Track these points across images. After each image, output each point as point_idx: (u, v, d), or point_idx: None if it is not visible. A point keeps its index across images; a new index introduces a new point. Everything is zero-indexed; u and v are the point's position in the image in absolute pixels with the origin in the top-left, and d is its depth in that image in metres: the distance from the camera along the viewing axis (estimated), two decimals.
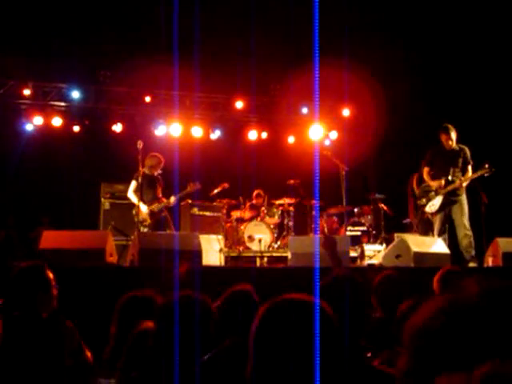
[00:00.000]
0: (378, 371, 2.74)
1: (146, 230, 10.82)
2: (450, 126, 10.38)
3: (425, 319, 1.13)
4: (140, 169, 10.96)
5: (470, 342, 1.03)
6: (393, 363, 2.99)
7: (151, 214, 10.99)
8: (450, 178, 10.12)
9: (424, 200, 10.47)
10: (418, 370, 1.10)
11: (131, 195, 11.15)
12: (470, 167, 10.17)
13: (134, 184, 11.12)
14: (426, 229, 10.84)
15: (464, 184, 10.11)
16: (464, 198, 10.16)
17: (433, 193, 10.28)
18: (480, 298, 1.09)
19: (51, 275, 4.45)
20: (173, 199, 11.11)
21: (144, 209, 10.92)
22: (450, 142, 10.27)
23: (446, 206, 10.17)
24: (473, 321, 1.06)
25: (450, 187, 10.10)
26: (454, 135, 10.29)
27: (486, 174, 9.92)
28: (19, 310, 4.29)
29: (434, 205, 10.29)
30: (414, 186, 10.97)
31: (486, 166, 9.86)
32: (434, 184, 10.25)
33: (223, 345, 3.87)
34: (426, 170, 10.44)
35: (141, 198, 10.89)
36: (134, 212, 10.98)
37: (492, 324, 1.04)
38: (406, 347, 1.16)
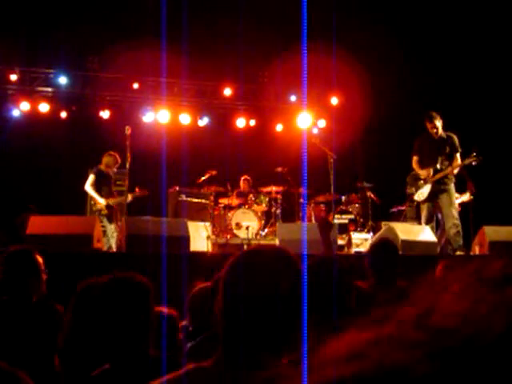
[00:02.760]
0: None
1: (104, 218, 10.97)
2: (433, 114, 10.26)
3: None
4: (98, 165, 11.37)
5: None
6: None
7: (107, 206, 11.11)
8: (438, 166, 10.06)
9: (413, 189, 10.44)
10: None
11: (88, 188, 11.33)
12: (458, 155, 10.08)
13: (92, 178, 11.32)
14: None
15: (454, 172, 10.06)
16: (452, 188, 10.12)
17: (421, 181, 10.23)
18: None
19: (40, 259, 4.46)
20: (129, 197, 11.21)
21: (102, 201, 11.13)
22: (435, 130, 10.13)
23: (434, 195, 10.11)
24: None
25: (438, 176, 10.03)
26: (438, 123, 10.17)
27: (474, 163, 9.88)
28: (9, 294, 4.29)
29: (422, 193, 10.24)
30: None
31: (474, 154, 9.82)
32: (422, 173, 10.19)
33: (209, 332, 3.88)
34: (414, 158, 10.35)
35: (98, 192, 11.21)
36: (92, 202, 11.44)
37: None
38: None
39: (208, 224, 12.15)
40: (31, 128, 14.53)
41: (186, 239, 8.51)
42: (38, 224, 8.40)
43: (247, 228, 12.34)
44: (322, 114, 16.21)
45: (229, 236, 12.46)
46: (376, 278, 4.80)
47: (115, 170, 11.54)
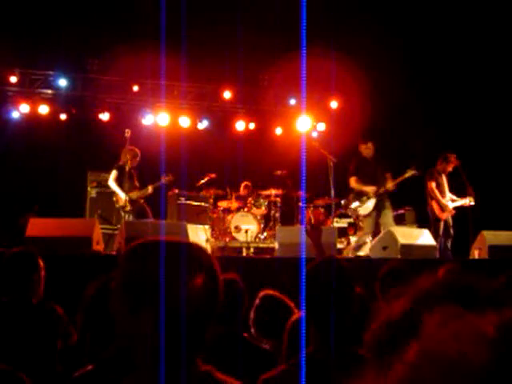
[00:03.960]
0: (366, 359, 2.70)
1: (127, 216, 10.95)
2: (368, 139, 11.09)
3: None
4: (119, 162, 11.28)
5: None
6: None
7: (130, 201, 11.08)
8: (379, 183, 10.86)
9: (357, 204, 11.00)
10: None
11: (112, 183, 11.33)
12: (388, 175, 10.93)
13: (115, 173, 11.31)
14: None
15: (392, 188, 10.89)
16: (389, 203, 10.98)
17: (365, 197, 10.84)
18: None
19: (41, 262, 4.47)
20: (150, 189, 11.22)
21: (123, 196, 11.08)
22: (369, 151, 11.00)
23: (376, 209, 10.79)
24: None
25: (380, 191, 10.78)
26: (371, 145, 11.01)
27: (413, 175, 10.79)
28: (9, 295, 4.29)
29: (367, 207, 10.82)
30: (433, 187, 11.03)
31: (413, 167, 10.72)
32: (366, 189, 10.82)
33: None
34: (353, 178, 10.98)
35: (121, 187, 11.17)
36: (114, 199, 11.36)
37: None
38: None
39: (207, 227, 12.16)
40: (31, 130, 14.52)
41: None
42: (38, 226, 8.40)
43: (246, 231, 12.33)
44: (321, 118, 16.21)
45: (228, 239, 12.46)
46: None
47: (135, 164, 11.49)
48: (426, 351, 0.88)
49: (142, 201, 11.37)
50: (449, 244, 10.77)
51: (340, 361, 2.61)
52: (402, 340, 0.96)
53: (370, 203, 10.83)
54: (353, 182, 11.02)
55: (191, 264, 1.82)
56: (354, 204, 11.02)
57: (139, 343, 1.78)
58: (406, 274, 5.06)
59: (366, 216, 10.89)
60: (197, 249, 1.92)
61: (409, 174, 10.73)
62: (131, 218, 11.02)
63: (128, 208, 11.04)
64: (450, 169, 11.06)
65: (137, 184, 11.51)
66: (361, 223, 11.23)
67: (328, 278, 2.79)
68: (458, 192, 11.09)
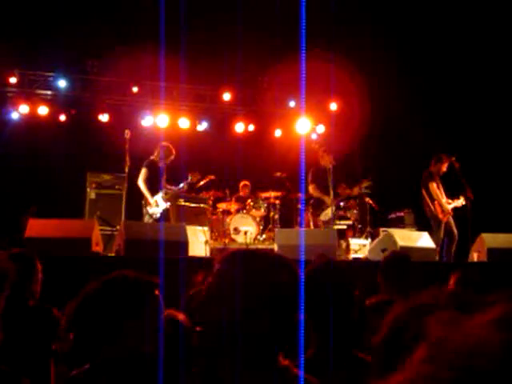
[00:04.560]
0: (365, 362, 2.70)
1: (151, 220, 10.80)
2: (328, 149, 11.64)
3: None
4: (152, 157, 11.10)
5: None
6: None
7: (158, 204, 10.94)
8: (338, 192, 11.50)
9: (318, 211, 11.61)
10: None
11: (141, 183, 11.03)
12: (329, 180, 11.24)
13: (144, 172, 11.04)
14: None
15: (353, 194, 11.67)
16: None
17: (325, 204, 11.42)
18: None
19: (39, 264, 4.46)
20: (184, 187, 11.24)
21: (152, 200, 10.91)
22: (327, 163, 11.43)
23: (335, 217, 11.47)
24: None
25: (339, 199, 11.50)
26: (330, 156, 11.49)
27: (368, 188, 11.82)
28: (6, 297, 4.28)
29: (327, 214, 11.36)
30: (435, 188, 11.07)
31: (370, 178, 11.64)
32: (326, 199, 11.36)
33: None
34: (312, 186, 11.55)
35: (151, 188, 10.94)
36: (142, 202, 11.09)
37: None
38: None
39: (206, 229, 12.16)
40: (30, 131, 14.51)
41: (184, 244, 8.51)
42: (37, 227, 8.39)
43: (245, 233, 12.34)
44: (320, 120, 16.20)
45: (227, 241, 12.46)
46: (389, 292, 4.80)
47: (168, 162, 11.30)
48: (436, 351, 0.90)
49: (170, 203, 11.23)
50: (453, 247, 10.75)
51: (339, 363, 2.61)
52: (407, 344, 0.98)
53: (329, 210, 11.34)
54: (312, 190, 11.55)
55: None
56: (316, 212, 11.68)
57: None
58: (407, 262, 5.11)
59: (326, 223, 11.42)
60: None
61: (364, 185, 11.60)
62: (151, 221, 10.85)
63: (156, 215, 10.88)
64: (444, 169, 11.06)
65: (165, 184, 11.31)
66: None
67: (327, 281, 2.79)
68: (453, 193, 11.11)
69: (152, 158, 11.17)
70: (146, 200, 10.96)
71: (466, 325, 0.90)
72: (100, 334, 2.67)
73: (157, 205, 10.90)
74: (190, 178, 11.38)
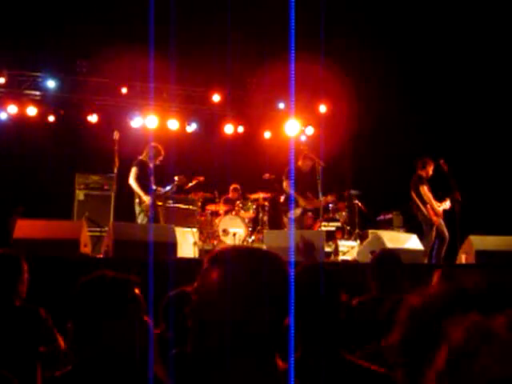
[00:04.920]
0: (357, 366, 2.70)
1: (146, 220, 10.72)
2: (309, 155, 11.57)
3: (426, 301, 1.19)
4: (140, 157, 10.98)
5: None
6: (377, 358, 2.97)
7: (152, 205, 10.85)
8: (309, 195, 11.55)
9: (287, 207, 11.84)
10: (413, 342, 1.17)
11: (133, 182, 10.88)
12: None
13: (135, 171, 10.89)
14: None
15: (322, 203, 11.72)
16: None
17: (297, 204, 11.50)
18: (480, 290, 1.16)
19: (25, 265, 4.45)
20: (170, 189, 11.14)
21: (147, 198, 10.76)
22: (306, 167, 11.53)
23: (302, 218, 11.53)
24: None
25: (311, 205, 11.63)
26: (310, 161, 11.53)
27: (332, 201, 12.15)
28: None
29: (296, 213, 11.46)
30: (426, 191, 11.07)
31: (334, 195, 11.98)
32: (301, 200, 11.48)
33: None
34: (287, 182, 11.54)
35: (142, 187, 10.81)
36: (136, 200, 10.94)
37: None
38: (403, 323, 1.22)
39: (195, 230, 12.13)
40: (19, 131, 14.47)
41: (173, 245, 8.50)
42: (25, 228, 8.36)
43: (234, 234, 12.33)
44: (309, 122, 16.24)
45: (216, 242, 12.44)
46: (379, 291, 4.82)
47: (158, 163, 11.21)
48: (458, 354, 0.92)
49: (161, 203, 11.16)
50: (443, 249, 10.76)
51: (328, 366, 2.61)
52: (428, 343, 1.01)
53: (298, 210, 11.47)
54: (286, 186, 11.63)
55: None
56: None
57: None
58: (397, 260, 5.12)
59: (292, 220, 11.52)
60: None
61: (330, 198, 11.94)
62: (146, 221, 10.81)
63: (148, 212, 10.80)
64: (431, 172, 11.06)
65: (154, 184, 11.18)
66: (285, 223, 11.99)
67: (313, 284, 2.79)
68: (439, 196, 11.14)
69: (141, 157, 11.10)
70: (140, 198, 10.87)
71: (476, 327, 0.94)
72: (80, 335, 2.67)
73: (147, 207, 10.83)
74: (176, 180, 11.33)
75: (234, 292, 1.81)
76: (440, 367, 0.95)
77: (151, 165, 11.02)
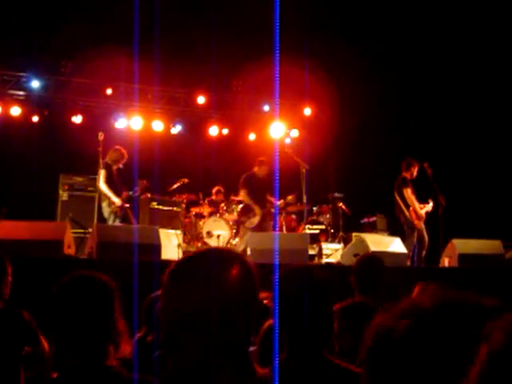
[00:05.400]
0: (342, 369, 2.69)
1: (117, 221, 10.67)
2: (265, 160, 11.72)
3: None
4: (106, 160, 10.92)
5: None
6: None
7: (121, 207, 10.76)
8: (266, 201, 11.67)
9: (244, 217, 11.96)
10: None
11: (103, 186, 10.84)
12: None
13: (104, 174, 10.86)
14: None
15: (282, 205, 11.90)
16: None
17: (253, 213, 11.72)
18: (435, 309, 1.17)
19: (9, 267, 4.42)
20: (131, 194, 11.04)
21: (117, 200, 10.74)
22: (262, 172, 11.65)
23: (262, 226, 11.59)
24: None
25: (266, 210, 11.66)
26: (266, 167, 11.63)
27: (290, 201, 11.91)
28: None
29: (252, 222, 11.66)
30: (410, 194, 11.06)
31: (295, 196, 11.70)
32: (256, 208, 11.66)
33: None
34: (243, 191, 11.77)
35: (111, 189, 10.77)
36: (104, 203, 10.87)
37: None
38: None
39: (179, 232, 12.12)
40: (2, 131, 14.36)
41: (157, 247, 8.49)
42: (8, 229, 8.31)
43: (218, 237, 12.31)
44: (294, 124, 16.25)
45: (200, 244, 12.42)
46: (363, 294, 4.81)
47: (121, 166, 11.19)
48: (497, 353, 0.95)
49: (128, 205, 11.11)
50: (423, 253, 10.80)
51: (313, 368, 2.61)
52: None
53: (256, 219, 11.68)
54: (243, 195, 11.81)
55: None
56: (243, 219, 12.04)
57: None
58: (380, 264, 5.12)
59: (252, 229, 11.51)
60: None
61: (288, 199, 11.82)
62: (117, 222, 10.78)
63: (119, 213, 10.74)
64: (415, 173, 11.08)
65: (120, 187, 11.14)
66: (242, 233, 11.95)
67: (299, 285, 2.79)
68: (423, 199, 11.18)
69: (106, 160, 11.04)
70: (109, 200, 10.80)
71: None
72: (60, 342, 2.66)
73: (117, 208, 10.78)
74: (139, 183, 11.24)
75: (202, 306, 1.77)
76: (481, 370, 0.97)
77: (116, 168, 11.01)
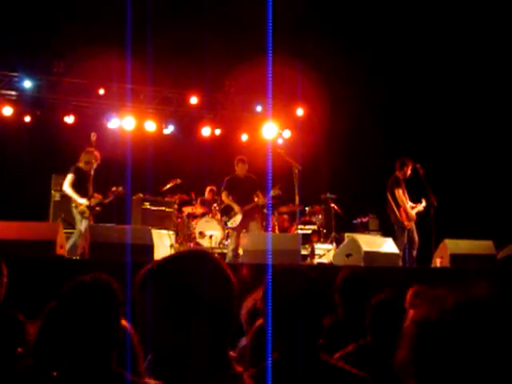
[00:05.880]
0: (337, 368, 2.70)
1: (86, 221, 10.63)
2: (243, 158, 11.87)
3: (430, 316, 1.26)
4: (77, 164, 10.89)
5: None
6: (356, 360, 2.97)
7: (89, 207, 10.73)
8: (247, 200, 11.54)
9: (226, 217, 11.96)
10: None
11: (67, 189, 10.82)
12: (258, 192, 11.50)
13: (71, 177, 10.83)
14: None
15: (261, 204, 11.64)
16: (258, 215, 11.92)
17: (233, 212, 11.62)
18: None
19: (5, 268, 4.41)
20: (110, 196, 11.00)
21: (82, 201, 10.67)
22: (242, 171, 11.70)
23: (244, 223, 11.44)
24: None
25: (248, 207, 11.46)
26: (246, 165, 11.74)
27: (277, 195, 11.69)
28: None
29: (235, 221, 11.54)
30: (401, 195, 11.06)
31: (277, 187, 11.44)
32: (235, 206, 11.56)
33: None
34: (225, 193, 11.74)
35: (78, 192, 10.72)
36: (73, 205, 10.82)
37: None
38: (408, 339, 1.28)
39: (171, 232, 12.12)
40: None
41: (149, 247, 8.48)
42: (0, 229, 8.28)
43: (211, 237, 12.32)
44: (287, 125, 16.26)
45: (192, 245, 12.42)
46: (345, 316, 4.61)
47: (95, 166, 11.07)
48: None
49: (100, 208, 11.05)
50: (414, 253, 10.82)
51: (306, 367, 2.62)
52: None
53: (238, 218, 11.51)
54: (224, 197, 11.76)
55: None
56: (224, 218, 12.03)
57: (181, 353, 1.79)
58: (366, 284, 4.96)
59: (234, 229, 11.51)
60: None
61: (274, 193, 11.46)
62: (85, 223, 10.71)
63: (87, 214, 10.71)
64: (409, 172, 11.09)
65: (92, 190, 10.98)
66: (229, 234, 11.89)
67: (293, 285, 2.79)
68: (414, 198, 11.21)
69: (78, 164, 10.99)
70: (76, 202, 10.75)
71: None
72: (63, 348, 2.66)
73: (85, 209, 10.74)
74: (113, 189, 11.19)
75: (173, 314, 1.77)
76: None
77: (88, 170, 10.95)
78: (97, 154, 10.98)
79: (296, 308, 2.65)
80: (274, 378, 2.15)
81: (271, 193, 11.34)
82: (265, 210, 12.63)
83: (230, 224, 11.63)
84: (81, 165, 10.93)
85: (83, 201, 10.69)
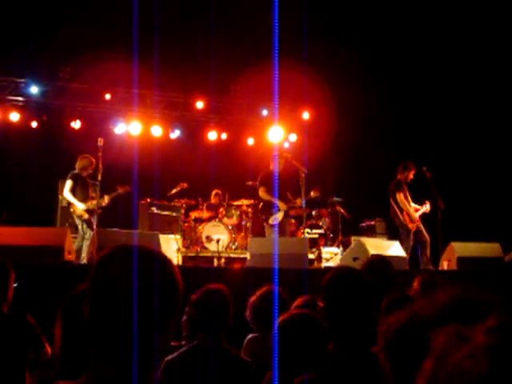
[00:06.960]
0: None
1: (84, 225, 10.68)
2: (277, 154, 11.61)
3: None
4: (74, 170, 10.96)
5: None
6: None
7: (87, 211, 10.79)
8: (288, 197, 11.45)
9: (266, 214, 11.57)
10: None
11: (67, 194, 10.94)
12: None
13: (69, 183, 10.93)
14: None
15: (300, 204, 11.41)
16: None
17: (274, 209, 11.44)
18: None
19: (13, 271, 4.44)
20: (106, 199, 11.02)
21: (81, 206, 10.77)
22: (281, 167, 11.44)
23: (284, 221, 11.42)
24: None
25: (289, 205, 11.44)
26: (280, 160, 11.50)
27: (316, 196, 11.75)
28: None
29: (276, 218, 11.36)
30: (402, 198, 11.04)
31: (318, 189, 11.63)
32: (279, 203, 11.36)
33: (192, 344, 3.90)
34: (262, 189, 11.52)
35: (77, 197, 10.82)
36: (71, 210, 10.94)
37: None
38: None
39: (178, 237, 12.13)
40: (1, 137, 14.39)
41: None
42: (7, 235, 8.31)
43: (218, 241, 12.32)
44: (293, 129, 16.27)
45: (199, 249, 12.44)
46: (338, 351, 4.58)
47: (91, 171, 11.15)
48: (438, 366, 0.99)
49: (100, 211, 11.09)
50: (427, 252, 10.77)
51: (364, 366, 2.65)
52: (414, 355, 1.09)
53: (279, 215, 11.40)
54: (262, 192, 11.56)
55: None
56: (265, 215, 11.67)
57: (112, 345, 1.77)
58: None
59: (275, 226, 11.39)
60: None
61: (314, 194, 11.57)
62: (85, 227, 10.78)
63: (85, 217, 10.76)
64: (411, 176, 11.06)
65: (92, 193, 11.16)
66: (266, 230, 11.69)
67: (349, 287, 2.87)
68: (418, 201, 11.18)
69: (74, 171, 11.07)
70: (74, 207, 10.86)
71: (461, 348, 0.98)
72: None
73: (83, 213, 10.81)
74: (119, 190, 11.23)
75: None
76: (426, 373, 1.01)
77: (85, 176, 11.03)
78: (92, 159, 11.05)
79: (353, 309, 2.71)
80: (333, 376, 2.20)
81: (311, 194, 11.49)
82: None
83: (271, 221, 11.43)
84: (77, 171, 11.01)
85: (81, 205, 10.78)
